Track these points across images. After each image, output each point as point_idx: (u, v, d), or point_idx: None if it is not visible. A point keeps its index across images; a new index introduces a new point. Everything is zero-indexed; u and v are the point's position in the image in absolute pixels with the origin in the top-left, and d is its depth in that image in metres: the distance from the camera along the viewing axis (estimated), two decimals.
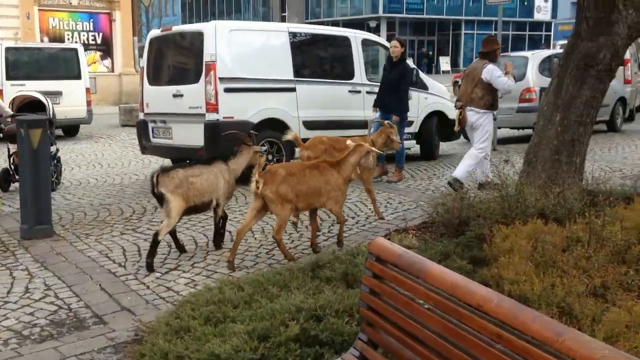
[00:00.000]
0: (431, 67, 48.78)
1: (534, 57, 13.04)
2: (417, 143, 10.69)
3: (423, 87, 10.54)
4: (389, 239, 5.38)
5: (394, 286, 2.57)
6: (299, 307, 3.51)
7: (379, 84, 10.14)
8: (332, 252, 4.78)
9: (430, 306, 2.34)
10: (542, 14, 51.58)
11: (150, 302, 4.60)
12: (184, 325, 3.55)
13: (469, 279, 2.29)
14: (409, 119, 10.21)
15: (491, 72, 8.01)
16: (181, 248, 5.80)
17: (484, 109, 8.12)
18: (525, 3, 51.38)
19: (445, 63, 46.69)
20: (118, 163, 11.17)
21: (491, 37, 8.83)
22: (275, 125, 8.75)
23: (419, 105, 10.43)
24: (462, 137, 11.30)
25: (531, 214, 4.97)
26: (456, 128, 8.76)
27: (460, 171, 7.98)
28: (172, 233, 5.68)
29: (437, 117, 10.74)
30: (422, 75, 10.79)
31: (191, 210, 5.57)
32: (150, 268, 5.27)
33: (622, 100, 15.08)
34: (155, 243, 5.34)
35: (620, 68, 16.08)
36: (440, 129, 10.87)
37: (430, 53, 49.83)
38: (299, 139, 7.05)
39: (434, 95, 10.74)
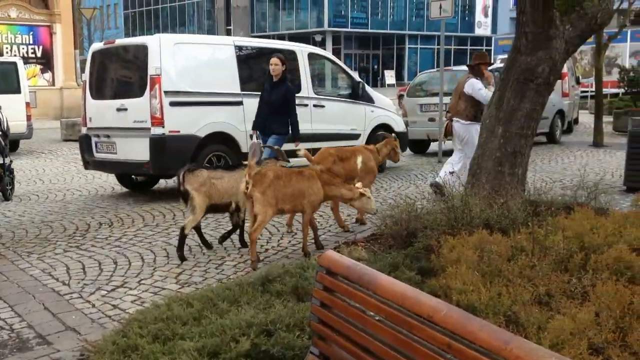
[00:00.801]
0: (376, 81, 49.47)
1: None
2: None
3: (369, 100, 10.66)
4: (338, 252, 5.42)
5: (344, 298, 2.58)
6: (250, 322, 3.48)
7: (327, 97, 10.22)
8: (281, 266, 4.76)
9: (381, 318, 2.36)
10: (482, 29, 53.00)
11: (95, 320, 4.49)
12: (132, 344, 3.47)
13: (419, 290, 2.31)
14: (355, 131, 10.35)
15: (472, 86, 8.36)
16: (207, 244, 6.19)
17: (467, 120, 8.45)
18: (467, 18, 52.70)
19: (390, 76, 47.38)
20: (60, 179, 10.89)
21: (480, 53, 9.18)
22: (222, 139, 8.69)
23: (366, 119, 10.54)
24: (408, 149, 11.47)
25: (477, 224, 5.07)
26: (441, 138, 9.14)
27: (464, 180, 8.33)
28: (197, 229, 6.13)
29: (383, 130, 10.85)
30: (368, 88, 10.92)
31: (212, 208, 6.04)
32: (182, 258, 5.80)
33: (560, 113, 15.57)
34: (182, 237, 5.85)
35: (559, 82, 16.66)
36: None
37: (376, 67, 50.52)
38: (309, 155, 6.81)
39: (380, 108, 10.88)
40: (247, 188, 5.45)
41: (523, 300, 3.01)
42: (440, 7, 12.05)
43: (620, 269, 3.46)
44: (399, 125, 11.18)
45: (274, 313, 3.63)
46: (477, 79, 8.49)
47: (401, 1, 49.79)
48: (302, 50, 9.95)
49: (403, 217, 5.56)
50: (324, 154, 7.03)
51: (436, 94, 12.76)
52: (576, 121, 19.53)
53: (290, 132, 8.12)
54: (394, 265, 4.76)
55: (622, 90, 18.17)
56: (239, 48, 9.25)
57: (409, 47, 50.17)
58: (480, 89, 8.32)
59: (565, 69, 17.01)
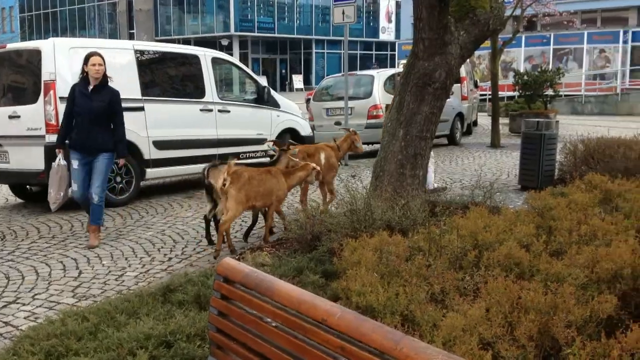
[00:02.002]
0: (285, 85, 49.62)
1: (379, 75, 13.65)
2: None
3: (275, 105, 10.67)
4: (242, 258, 5.38)
5: (242, 306, 2.56)
6: (148, 334, 3.39)
7: (232, 102, 10.13)
8: (184, 275, 4.67)
9: (278, 324, 2.35)
10: (386, 34, 54.23)
11: None
12: None
13: (315, 295, 2.32)
14: (262, 136, 10.32)
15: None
16: (210, 240, 6.51)
17: None
18: (371, 24, 53.79)
19: (298, 81, 47.65)
20: None
21: None
22: None
23: (272, 123, 10.53)
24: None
25: (379, 226, 5.16)
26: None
27: (429, 182, 8.48)
28: (207, 222, 6.55)
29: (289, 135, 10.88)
30: (274, 93, 10.92)
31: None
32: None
33: (460, 116, 16.14)
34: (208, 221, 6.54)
35: (458, 86, 17.29)
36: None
37: (284, 71, 50.67)
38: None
39: (286, 112, 10.90)
40: (224, 185, 5.90)
41: (418, 300, 3.09)
42: (343, 12, 12.22)
43: (510, 265, 3.62)
44: (305, 129, 11.24)
45: (174, 323, 3.55)
46: None
47: (307, 6, 50.20)
48: (205, 55, 9.82)
49: (308, 221, 5.59)
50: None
51: (342, 98, 12.93)
52: (475, 123, 20.32)
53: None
54: (298, 269, 4.79)
55: (517, 93, 19.01)
56: (140, 52, 9.03)
57: (316, 52, 50.64)
58: None
59: (464, 73, 17.71)
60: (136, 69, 8.80)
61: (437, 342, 2.63)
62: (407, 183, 6.93)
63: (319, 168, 6.84)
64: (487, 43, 17.53)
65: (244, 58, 48.44)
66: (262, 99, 10.39)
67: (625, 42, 30.35)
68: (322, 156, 7.65)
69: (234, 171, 5.94)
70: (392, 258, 3.63)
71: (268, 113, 10.43)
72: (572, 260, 3.63)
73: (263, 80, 11.60)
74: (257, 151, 10.20)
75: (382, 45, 53.57)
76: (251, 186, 6.06)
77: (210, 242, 6.48)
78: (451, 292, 3.29)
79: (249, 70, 10.99)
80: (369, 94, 13.38)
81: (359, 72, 15.73)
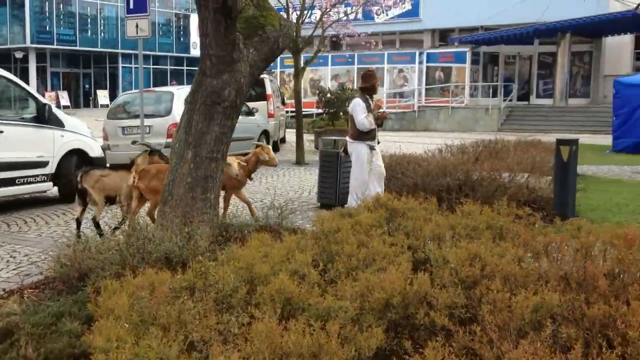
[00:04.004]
0: (89, 101, 46.96)
1: (179, 92, 13.11)
2: (54, 185, 9.79)
3: (58, 124, 9.73)
4: None
5: None
6: None
7: (5, 121, 9.11)
8: None
9: None
10: (198, 50, 53.42)
11: None
12: None
13: None
14: (43, 158, 9.36)
15: (353, 107, 8.34)
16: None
17: (352, 138, 8.40)
18: (182, 39, 52.76)
19: (103, 96, 45.28)
20: None
21: (368, 72, 8.82)
22: None
23: (55, 144, 9.59)
24: None
25: (155, 259, 4.71)
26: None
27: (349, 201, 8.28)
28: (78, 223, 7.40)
29: (77, 156, 9.99)
30: (57, 111, 9.98)
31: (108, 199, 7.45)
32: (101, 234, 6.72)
33: (266, 133, 16.08)
34: (96, 224, 7.27)
35: (264, 103, 17.27)
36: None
37: (87, 87, 47.97)
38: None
39: (72, 132, 9.99)
40: (134, 181, 7.06)
41: (168, 355, 2.68)
42: (137, 25, 11.56)
43: (281, 301, 3.35)
44: (94, 150, 10.39)
45: None
46: (365, 98, 8.34)
47: (112, 19, 47.93)
48: None
49: (76, 256, 4.97)
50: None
51: (139, 116, 12.23)
52: (283, 140, 20.47)
53: None
54: (58, 314, 4.17)
55: (321, 111, 19.46)
56: None
57: (122, 67, 48.44)
58: (357, 112, 8.20)
59: (270, 91, 17.76)
60: None
61: None
62: (198, 207, 6.53)
63: (233, 170, 7.41)
64: (292, 61, 17.77)
65: (42, 72, 45.12)
66: (43, 118, 9.42)
67: (420, 62, 32.57)
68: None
69: (141, 169, 7.19)
70: (151, 301, 3.19)
71: (50, 133, 9.49)
72: (344, 291, 3.45)
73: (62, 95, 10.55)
74: (38, 175, 9.22)
75: (193, 61, 52.69)
76: (159, 180, 6.91)
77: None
78: (213, 339, 2.93)
79: (26, 86, 9.93)
80: (168, 112, 12.80)
81: (157, 89, 15.05)
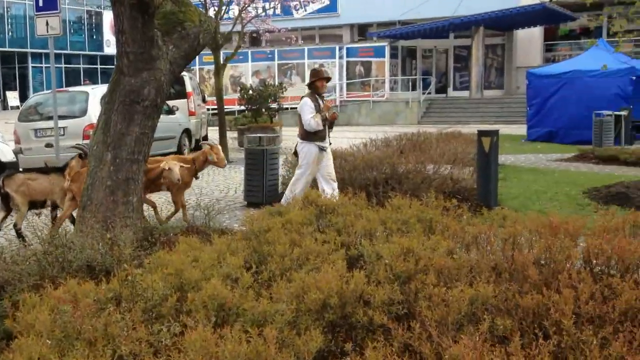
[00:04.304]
0: None
1: (94, 92, 12.62)
2: None
3: None
4: None
5: None
6: None
7: None
8: None
9: None
10: (112, 48, 51.88)
11: None
12: None
13: None
14: None
15: (300, 106, 8.10)
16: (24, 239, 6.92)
17: (300, 139, 8.20)
18: (94, 37, 51.05)
19: (13, 98, 43.25)
20: None
21: (314, 69, 8.45)
22: None
23: None
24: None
25: (76, 268, 4.47)
26: (291, 157, 8.98)
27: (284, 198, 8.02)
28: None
29: None
30: None
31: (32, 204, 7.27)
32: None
33: (187, 132, 15.74)
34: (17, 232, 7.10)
35: (185, 101, 16.89)
36: None
37: None
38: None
39: None
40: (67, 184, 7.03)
41: None
42: (47, 23, 11.02)
43: (215, 308, 3.22)
44: (6, 154, 9.86)
45: None
46: (314, 97, 8.08)
47: (20, 17, 45.71)
48: None
49: None
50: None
51: (52, 117, 11.69)
52: (205, 138, 20.09)
53: None
54: None
55: (243, 108, 19.24)
56: None
57: (32, 66, 46.32)
58: (304, 112, 7.97)
59: (190, 88, 17.39)
60: None
61: None
62: (120, 212, 6.28)
63: (175, 175, 7.28)
64: (211, 58, 17.47)
65: None
66: None
67: (341, 57, 32.76)
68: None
69: (75, 172, 7.15)
70: (68, 317, 3.00)
71: None
72: (279, 294, 3.36)
73: None
74: None
75: (107, 59, 51.08)
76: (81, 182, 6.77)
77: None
78: (144, 351, 2.78)
79: None
80: (84, 112, 12.31)
81: (71, 89, 14.46)
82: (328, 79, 8.39)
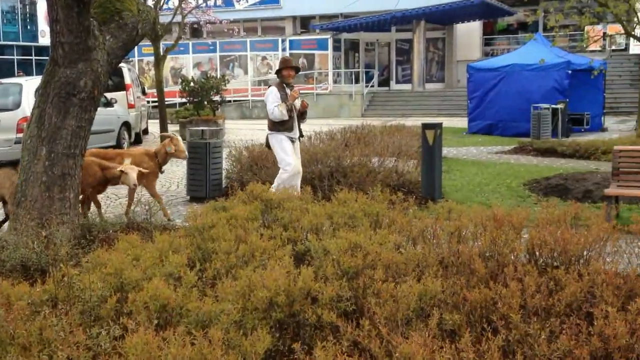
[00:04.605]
0: None
1: (29, 84, 12.11)
2: None
3: None
4: None
5: None
6: None
7: None
8: None
9: None
10: (47, 38, 50.25)
11: None
12: None
13: None
14: None
15: (267, 96, 7.86)
16: None
17: (269, 129, 7.95)
18: (29, 27, 49.29)
19: None
20: None
21: (283, 57, 8.25)
22: None
23: None
24: None
25: (10, 268, 4.26)
26: (264, 148, 8.79)
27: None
28: None
29: None
30: None
31: None
32: None
33: (127, 125, 15.34)
34: None
35: (124, 93, 16.46)
36: None
37: None
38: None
39: None
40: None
41: None
42: None
43: (157, 308, 3.09)
44: None
45: None
46: (282, 87, 7.79)
47: None
48: None
49: None
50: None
51: None
52: (146, 132, 19.67)
53: None
54: None
55: (185, 100, 18.90)
56: None
57: None
58: (268, 100, 7.73)
59: (129, 80, 16.95)
60: None
61: None
62: (56, 208, 6.04)
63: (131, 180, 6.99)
64: (151, 49, 17.06)
65: None
66: None
67: (284, 49, 32.57)
68: (128, 162, 7.44)
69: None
70: (0, 321, 2.83)
71: None
72: (225, 293, 3.26)
73: None
74: None
75: (42, 50, 49.40)
76: None
77: None
78: (81, 357, 2.64)
79: None
80: (17, 105, 11.81)
81: (4, 81, 13.87)
82: (297, 69, 8.18)
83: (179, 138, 8.04)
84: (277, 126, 7.84)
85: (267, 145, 8.15)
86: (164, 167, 8.17)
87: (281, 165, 7.83)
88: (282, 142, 7.82)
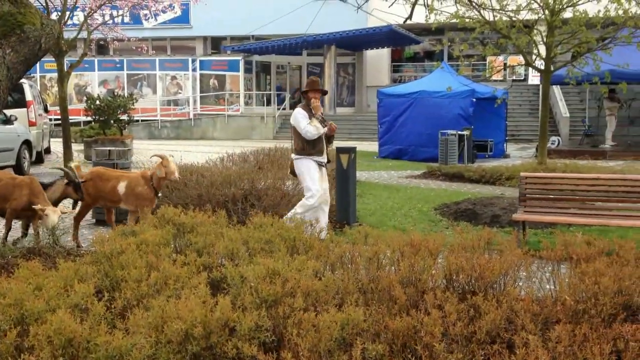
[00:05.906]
0: None
1: None
2: None
3: None
4: None
5: None
6: None
7: None
8: None
9: None
10: None
11: None
12: None
13: None
14: None
15: (294, 117, 7.38)
16: None
17: (297, 154, 7.44)
18: None
19: None
20: None
21: (311, 79, 7.65)
22: None
23: None
24: None
25: None
26: (288, 176, 8.43)
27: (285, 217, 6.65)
28: None
29: None
30: None
31: None
32: None
33: (27, 143, 14.59)
34: None
35: (24, 110, 15.68)
36: None
37: None
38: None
39: None
40: None
41: None
42: None
43: (63, 343, 2.86)
44: None
45: None
46: (308, 108, 7.37)
47: None
48: None
49: None
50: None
51: None
52: (48, 150, 18.81)
53: None
54: None
55: (90, 119, 18.22)
56: None
57: None
58: (300, 121, 7.24)
59: (30, 97, 16.19)
60: None
61: None
62: None
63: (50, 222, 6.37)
64: (54, 65, 16.35)
65: None
66: None
67: (194, 70, 32.16)
68: (123, 185, 7.12)
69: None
70: None
71: None
72: (136, 325, 3.06)
73: None
74: None
75: None
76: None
77: None
78: None
79: None
80: None
81: None
82: (324, 92, 7.87)
83: (169, 159, 7.22)
84: (308, 149, 7.34)
85: (292, 171, 7.65)
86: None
87: (307, 193, 7.34)
88: (310, 169, 7.34)
